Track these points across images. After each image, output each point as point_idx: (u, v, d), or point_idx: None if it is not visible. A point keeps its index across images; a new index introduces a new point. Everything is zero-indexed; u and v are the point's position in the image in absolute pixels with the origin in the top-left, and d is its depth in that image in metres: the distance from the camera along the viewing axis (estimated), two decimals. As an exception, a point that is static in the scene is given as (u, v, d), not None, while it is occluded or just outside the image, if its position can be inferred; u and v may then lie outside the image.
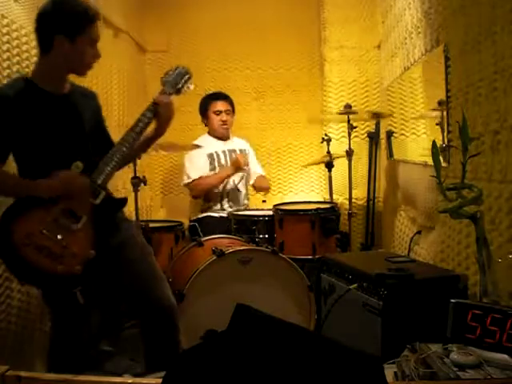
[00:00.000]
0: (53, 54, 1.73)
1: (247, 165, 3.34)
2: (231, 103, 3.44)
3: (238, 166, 3.26)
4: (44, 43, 1.74)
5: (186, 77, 2.02)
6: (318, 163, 3.71)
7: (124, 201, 1.88)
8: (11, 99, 1.67)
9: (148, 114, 1.87)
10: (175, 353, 1.96)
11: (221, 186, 3.31)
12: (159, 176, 4.29)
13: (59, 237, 1.68)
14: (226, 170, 3.31)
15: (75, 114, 1.83)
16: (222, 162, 3.39)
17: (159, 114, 1.88)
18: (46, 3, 1.73)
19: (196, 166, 3.32)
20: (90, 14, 1.76)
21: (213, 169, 3.36)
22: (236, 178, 3.38)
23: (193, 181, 3.30)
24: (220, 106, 3.39)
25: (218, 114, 3.38)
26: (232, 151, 3.44)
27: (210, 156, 3.38)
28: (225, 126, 3.40)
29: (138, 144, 1.92)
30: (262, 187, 3.55)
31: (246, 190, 3.50)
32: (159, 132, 1.93)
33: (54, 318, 1.91)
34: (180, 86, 1.99)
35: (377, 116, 3.46)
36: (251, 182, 3.54)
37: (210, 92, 3.56)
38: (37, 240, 1.66)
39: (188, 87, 2.02)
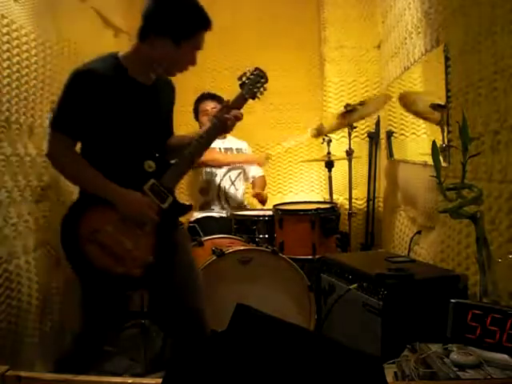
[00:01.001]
0: (151, 48, 1.68)
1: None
2: (220, 102, 3.43)
3: (257, 161, 3.37)
4: (146, 33, 1.69)
5: (263, 80, 1.92)
6: (318, 160, 3.72)
7: (189, 207, 1.85)
8: (100, 77, 1.63)
9: (221, 119, 1.80)
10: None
11: (217, 183, 3.32)
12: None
13: (123, 238, 1.68)
14: (242, 156, 3.40)
15: (156, 108, 1.79)
16: None
17: (226, 124, 1.81)
18: None
19: None
20: (205, 21, 1.71)
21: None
22: (232, 175, 3.40)
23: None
24: (207, 105, 3.38)
25: (205, 114, 3.39)
26: (228, 149, 3.45)
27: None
28: None
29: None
30: (259, 193, 3.49)
31: (243, 187, 3.50)
32: (225, 131, 1.87)
33: (86, 318, 1.84)
34: (256, 90, 1.89)
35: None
36: (250, 180, 3.55)
37: (202, 93, 3.56)
38: (101, 238, 1.66)
39: (262, 93, 1.92)
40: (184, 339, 1.86)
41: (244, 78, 1.88)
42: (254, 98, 1.89)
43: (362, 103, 3.16)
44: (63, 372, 1.66)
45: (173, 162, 1.78)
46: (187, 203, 1.86)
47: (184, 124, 3.97)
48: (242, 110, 1.85)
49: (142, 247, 1.70)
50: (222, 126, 1.82)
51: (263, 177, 3.64)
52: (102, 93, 1.63)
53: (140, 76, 1.73)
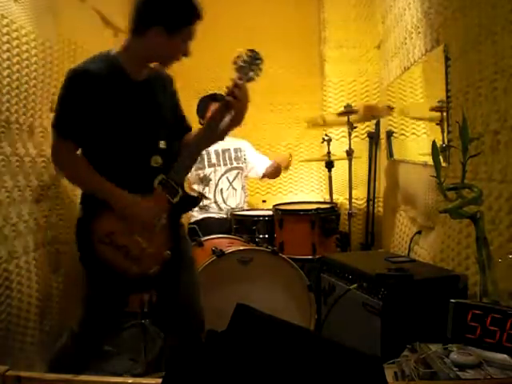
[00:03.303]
0: (144, 41, 1.67)
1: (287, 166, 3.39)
2: None
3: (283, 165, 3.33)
4: (138, 27, 1.68)
5: (258, 61, 1.87)
6: (318, 160, 3.71)
7: (198, 199, 1.85)
8: (97, 77, 1.62)
9: (224, 106, 1.78)
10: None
11: (214, 185, 3.32)
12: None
13: (138, 237, 1.67)
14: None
15: (154, 102, 1.78)
16: (213, 160, 3.38)
17: (234, 105, 1.77)
18: None
19: None
20: (198, 12, 1.69)
21: (202, 168, 3.35)
22: (230, 176, 3.39)
23: None
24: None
25: None
26: (226, 150, 3.44)
27: (202, 154, 3.36)
28: None
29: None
30: (274, 169, 3.44)
31: (243, 189, 3.48)
32: (236, 121, 1.82)
33: (86, 318, 1.82)
34: (252, 73, 1.84)
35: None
36: (261, 174, 3.51)
37: (209, 93, 3.55)
38: (116, 239, 1.65)
39: (258, 74, 1.86)
40: (186, 339, 1.86)
41: (239, 61, 1.85)
42: (250, 81, 1.85)
43: (356, 110, 3.15)
44: (58, 371, 1.67)
45: (180, 156, 1.77)
46: (196, 195, 1.85)
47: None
48: (248, 97, 1.81)
49: (157, 244, 1.70)
50: (227, 108, 1.79)
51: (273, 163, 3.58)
52: (99, 92, 1.63)
53: (134, 71, 1.72)
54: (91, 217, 1.67)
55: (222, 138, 1.90)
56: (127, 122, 1.69)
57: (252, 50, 1.89)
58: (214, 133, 1.80)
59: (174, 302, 1.85)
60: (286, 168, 3.40)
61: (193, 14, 1.69)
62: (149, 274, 1.68)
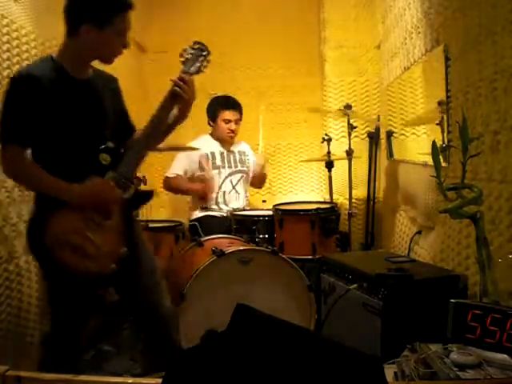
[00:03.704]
0: (78, 40, 1.67)
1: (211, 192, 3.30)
2: (241, 111, 3.41)
3: (204, 192, 3.26)
4: (70, 27, 1.68)
5: (205, 53, 1.90)
6: (318, 160, 3.71)
7: (151, 194, 1.84)
8: (39, 80, 1.61)
9: (169, 99, 1.79)
10: (172, 352, 1.96)
11: (217, 187, 3.32)
12: (159, 176, 4.29)
13: (92, 235, 1.66)
14: (197, 185, 3.31)
15: (97, 101, 1.78)
16: (218, 162, 3.37)
17: (182, 97, 1.80)
18: None
19: (177, 165, 3.35)
20: (122, 2, 1.69)
21: (203, 169, 3.34)
22: (234, 179, 3.38)
23: (167, 177, 3.37)
24: (231, 115, 3.35)
25: (227, 123, 3.37)
26: (231, 153, 3.44)
27: (205, 156, 3.34)
28: (232, 135, 3.39)
29: (161, 130, 1.85)
30: (258, 179, 3.52)
31: (245, 191, 3.49)
32: (183, 114, 1.86)
33: (55, 319, 1.83)
34: (199, 64, 1.87)
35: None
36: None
37: (222, 95, 3.50)
38: (70, 240, 1.64)
39: (205, 66, 1.89)
40: (153, 336, 1.92)
41: (185, 54, 1.87)
42: (198, 73, 1.87)
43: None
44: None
45: (127, 151, 1.77)
46: (149, 189, 1.86)
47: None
48: (194, 90, 1.84)
49: (113, 241, 1.69)
50: (173, 100, 1.80)
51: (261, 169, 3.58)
52: (43, 94, 1.62)
53: (76, 72, 1.73)
54: (44, 217, 1.66)
55: (168, 133, 1.92)
56: (73, 120, 1.69)
57: (198, 42, 1.91)
58: (161, 125, 1.79)
59: (136, 297, 1.88)
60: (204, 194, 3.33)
61: (119, 5, 1.69)
62: (107, 272, 1.67)
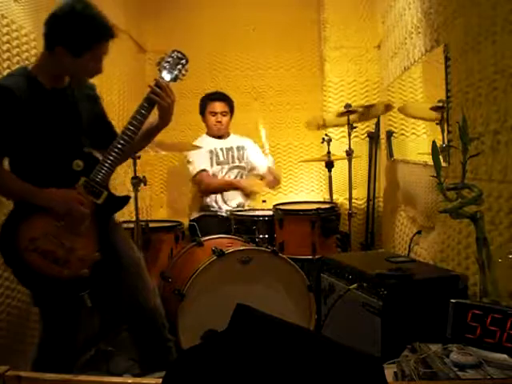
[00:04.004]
0: (53, 57, 1.69)
1: (252, 192, 3.35)
2: (229, 104, 3.44)
3: (242, 189, 3.31)
4: (48, 43, 1.69)
5: (183, 61, 1.90)
6: (318, 160, 3.72)
7: (126, 199, 1.85)
8: (12, 92, 1.62)
9: (146, 104, 1.80)
10: (165, 352, 1.96)
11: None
12: (159, 176, 4.29)
13: (64, 240, 1.67)
14: (234, 182, 3.36)
15: (72, 108, 1.79)
16: (221, 158, 3.43)
17: (159, 103, 1.81)
18: (64, 5, 1.65)
19: (199, 160, 3.36)
20: (103, 32, 1.69)
21: (212, 164, 3.38)
22: (232, 175, 3.40)
23: (198, 173, 3.35)
24: (216, 107, 3.40)
25: (213, 115, 3.40)
26: (229, 149, 3.46)
27: (210, 152, 3.42)
28: (218, 126, 3.41)
29: (140, 136, 1.85)
30: (271, 182, 3.46)
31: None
32: (164, 121, 1.87)
33: (45, 323, 1.84)
34: (177, 72, 1.88)
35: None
36: (253, 172, 3.54)
37: (211, 92, 3.56)
38: (41, 245, 1.64)
39: (183, 74, 1.89)
40: (141, 337, 1.94)
41: (162, 62, 1.88)
42: (175, 80, 1.87)
43: (364, 107, 3.15)
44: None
45: (101, 157, 1.77)
46: (123, 195, 1.86)
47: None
48: (172, 96, 1.83)
49: (85, 246, 1.70)
50: (149, 106, 1.81)
51: (271, 168, 3.58)
52: (16, 105, 1.63)
53: (51, 82, 1.73)
54: (17, 221, 1.67)
55: (148, 140, 1.96)
56: (46, 129, 1.71)
57: (176, 51, 1.91)
58: (137, 131, 1.79)
59: (120, 300, 1.91)
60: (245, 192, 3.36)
61: (97, 38, 1.68)
62: (80, 276, 1.68)
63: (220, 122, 3.40)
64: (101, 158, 1.77)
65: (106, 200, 1.74)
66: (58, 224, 1.67)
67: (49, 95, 1.73)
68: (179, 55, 1.90)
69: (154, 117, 1.87)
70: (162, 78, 1.85)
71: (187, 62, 1.91)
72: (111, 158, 1.75)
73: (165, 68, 1.87)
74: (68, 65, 1.69)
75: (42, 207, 1.67)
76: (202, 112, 3.46)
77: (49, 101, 1.72)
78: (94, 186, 1.72)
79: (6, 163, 1.72)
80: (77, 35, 1.65)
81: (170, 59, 1.88)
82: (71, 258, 1.67)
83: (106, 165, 1.74)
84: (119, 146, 1.76)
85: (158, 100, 1.80)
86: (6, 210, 1.99)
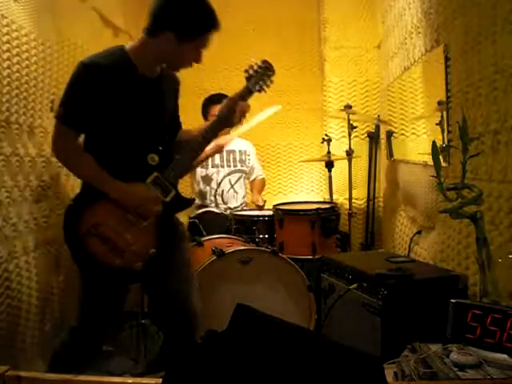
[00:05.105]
0: (155, 42, 1.67)
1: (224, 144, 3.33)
2: None
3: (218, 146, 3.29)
4: (152, 27, 1.68)
5: (270, 73, 1.86)
6: (318, 160, 3.73)
7: (191, 201, 1.86)
8: (106, 70, 1.62)
9: (225, 114, 1.81)
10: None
11: (215, 186, 3.32)
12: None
13: (125, 231, 1.68)
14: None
15: (160, 101, 1.79)
16: (217, 161, 3.39)
17: (238, 117, 1.82)
18: None
19: None
20: (213, 22, 1.69)
21: (205, 166, 3.36)
22: (233, 178, 3.39)
23: None
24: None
25: None
26: (231, 152, 3.45)
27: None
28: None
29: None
30: (257, 194, 3.50)
31: (244, 190, 3.49)
32: (231, 125, 1.87)
33: (83, 311, 1.82)
34: (262, 83, 1.85)
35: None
36: (251, 178, 3.54)
37: (212, 93, 3.55)
38: (103, 231, 1.67)
39: (268, 85, 1.87)
40: (175, 340, 1.87)
41: (251, 71, 1.85)
42: (260, 91, 1.85)
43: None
44: (58, 368, 1.67)
45: (177, 156, 1.77)
46: (189, 197, 1.86)
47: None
48: (248, 103, 1.84)
49: (143, 241, 1.71)
50: (227, 120, 1.82)
51: (263, 179, 3.62)
52: (107, 86, 1.64)
53: (146, 69, 1.73)
54: (79, 208, 1.70)
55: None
56: (131, 117, 1.70)
57: (265, 61, 1.88)
58: (211, 140, 1.81)
59: (164, 301, 1.86)
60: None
61: (207, 26, 1.69)
62: (132, 269, 1.69)
63: None
64: (177, 156, 1.76)
65: (172, 199, 1.74)
66: (124, 215, 1.69)
67: (140, 81, 1.71)
68: (268, 66, 1.87)
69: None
70: (249, 88, 1.83)
71: (274, 73, 1.88)
72: (186, 158, 1.76)
73: (252, 77, 1.85)
74: (171, 51, 1.68)
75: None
76: (205, 115, 3.44)
77: (139, 87, 1.71)
78: (165, 184, 1.72)
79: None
80: (190, 21, 1.65)
81: (259, 69, 1.86)
82: (128, 249, 1.68)
83: (181, 164, 1.75)
84: (196, 148, 1.77)
85: (232, 116, 1.81)
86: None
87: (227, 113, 1.81)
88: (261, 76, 1.85)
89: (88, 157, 1.69)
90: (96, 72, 1.63)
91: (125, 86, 1.67)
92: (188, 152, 1.77)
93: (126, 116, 1.69)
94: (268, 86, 1.87)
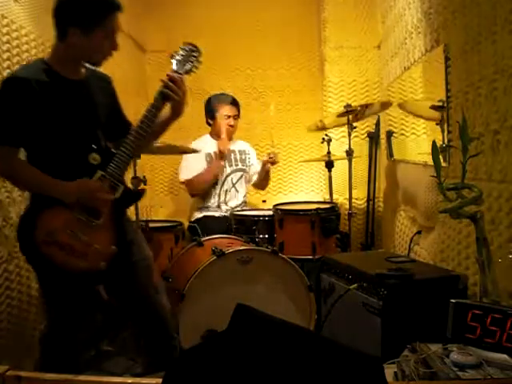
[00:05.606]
0: (67, 43, 1.68)
1: (226, 146, 3.34)
2: (239, 109, 3.43)
3: (220, 152, 3.29)
4: (58, 31, 1.69)
5: (196, 53, 1.90)
6: (318, 160, 3.73)
7: (141, 193, 1.86)
8: (29, 82, 1.62)
9: (159, 98, 1.80)
10: (170, 349, 1.96)
11: (218, 186, 3.33)
12: (159, 176, 4.29)
13: (81, 234, 1.68)
14: (214, 162, 3.35)
15: (90, 101, 1.79)
16: None
17: (172, 97, 1.81)
18: None
19: (190, 167, 3.34)
20: (109, 4, 1.69)
21: (211, 163, 3.37)
22: (234, 177, 3.39)
23: (186, 180, 3.34)
24: (229, 110, 3.36)
25: (227, 118, 3.36)
26: (231, 152, 3.45)
27: (208, 155, 3.39)
28: (231, 130, 3.39)
29: (153, 129, 1.84)
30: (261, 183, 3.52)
31: (245, 189, 3.50)
32: (176, 113, 1.87)
33: (51, 317, 1.85)
34: (189, 64, 1.88)
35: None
36: (252, 182, 3.55)
37: (219, 93, 3.54)
38: (59, 238, 1.66)
39: (196, 66, 1.89)
40: (150, 336, 1.92)
41: (176, 55, 1.88)
42: (188, 73, 1.87)
43: (363, 106, 3.15)
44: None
45: (116, 151, 1.77)
46: (138, 189, 1.86)
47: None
48: (183, 88, 1.84)
49: (102, 240, 1.71)
50: (162, 100, 1.81)
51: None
52: (33, 96, 1.63)
53: (68, 72, 1.73)
54: (35, 214, 1.69)
55: (161, 132, 1.94)
56: (62, 120, 1.70)
57: (189, 43, 1.91)
58: (151, 125, 1.79)
59: (131, 298, 1.89)
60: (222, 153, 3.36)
61: (105, 9, 1.68)
62: (98, 269, 1.69)
63: (232, 125, 3.38)
64: (116, 151, 1.76)
65: (122, 194, 1.75)
66: (76, 218, 1.68)
67: (66, 85, 1.72)
68: (192, 47, 1.90)
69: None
70: (175, 71, 1.84)
71: (200, 54, 1.91)
72: (126, 151, 1.75)
73: (178, 61, 1.87)
74: (84, 46, 1.68)
75: (60, 200, 1.67)
76: (211, 114, 3.42)
77: (65, 91, 1.72)
78: (111, 180, 1.72)
79: (23, 156, 1.72)
80: (86, 10, 1.65)
81: (182, 52, 1.89)
82: (88, 251, 1.68)
83: (122, 158, 1.74)
84: (134, 139, 1.77)
85: (171, 94, 1.80)
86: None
87: (162, 95, 1.80)
88: (186, 58, 1.87)
89: (31, 168, 1.68)
90: (19, 85, 1.62)
91: (50, 92, 1.67)
92: (127, 144, 1.76)
93: (57, 121, 1.69)
94: (196, 67, 1.89)
